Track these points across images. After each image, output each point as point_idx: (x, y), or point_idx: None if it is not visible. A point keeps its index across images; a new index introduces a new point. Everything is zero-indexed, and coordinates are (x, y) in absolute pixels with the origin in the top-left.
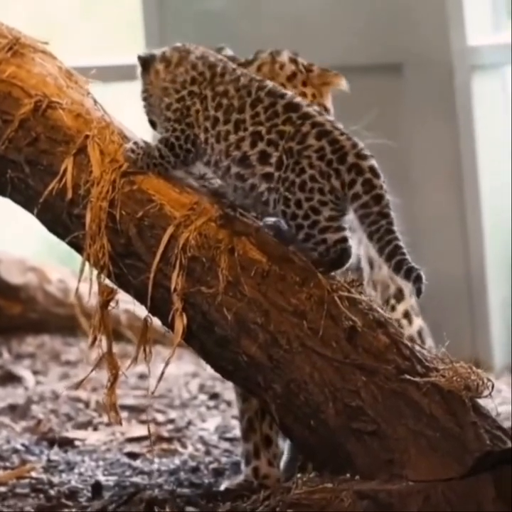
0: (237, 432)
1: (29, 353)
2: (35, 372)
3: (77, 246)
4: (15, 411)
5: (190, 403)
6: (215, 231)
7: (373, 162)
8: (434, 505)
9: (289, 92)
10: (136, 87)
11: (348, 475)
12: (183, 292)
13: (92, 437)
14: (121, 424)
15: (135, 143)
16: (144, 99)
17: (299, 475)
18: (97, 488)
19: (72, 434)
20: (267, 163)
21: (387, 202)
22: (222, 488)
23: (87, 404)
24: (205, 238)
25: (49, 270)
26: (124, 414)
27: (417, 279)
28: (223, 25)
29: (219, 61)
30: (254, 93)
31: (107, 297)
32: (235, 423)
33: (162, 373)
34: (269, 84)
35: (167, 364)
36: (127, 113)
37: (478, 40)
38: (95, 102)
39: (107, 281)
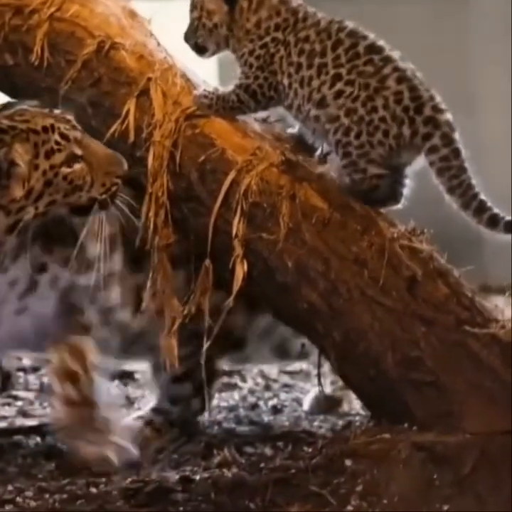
0: (296, 365)
1: None
2: None
3: (137, 183)
4: None
5: None
6: (277, 177)
7: (449, 116)
8: (491, 457)
9: (371, 35)
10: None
11: (405, 425)
12: (244, 238)
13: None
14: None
15: (204, 89)
16: (213, 29)
17: (357, 423)
18: None
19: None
20: (342, 98)
21: (464, 157)
22: None
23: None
24: (267, 184)
25: None
26: None
27: None
28: None
29: (299, 6)
30: (334, 35)
31: (166, 241)
32: None
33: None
34: (350, 25)
35: (227, 309)
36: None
37: None
38: (158, 43)
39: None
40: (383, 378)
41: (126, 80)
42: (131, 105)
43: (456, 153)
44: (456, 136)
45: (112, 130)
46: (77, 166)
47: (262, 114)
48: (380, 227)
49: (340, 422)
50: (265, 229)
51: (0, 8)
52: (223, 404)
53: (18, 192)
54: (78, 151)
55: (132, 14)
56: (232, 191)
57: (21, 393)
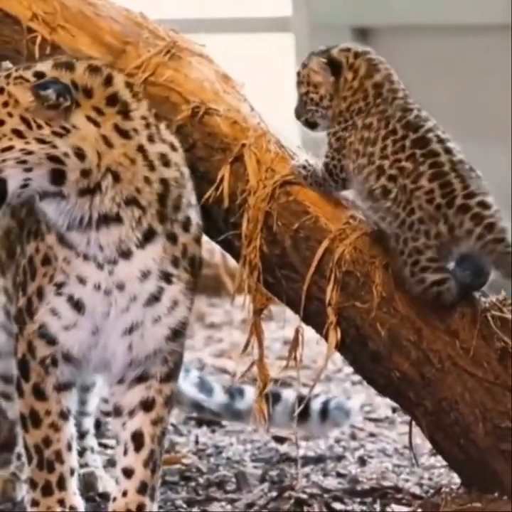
0: (381, 412)
1: None
2: None
3: (229, 245)
4: None
5: (334, 376)
6: (370, 246)
7: (483, 198)
8: None
9: (429, 123)
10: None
11: (496, 494)
12: (338, 306)
13: None
14: (268, 431)
15: (306, 160)
16: (319, 102)
17: (447, 489)
18: (242, 478)
19: None
20: (388, 199)
21: (501, 228)
22: None
23: (233, 376)
24: (360, 253)
25: None
26: None
27: None
28: None
29: (390, 90)
30: (391, 124)
31: (260, 305)
32: (380, 401)
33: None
34: (414, 113)
35: (320, 374)
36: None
37: None
38: (252, 108)
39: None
40: (473, 447)
41: (220, 146)
42: (225, 171)
43: (490, 227)
44: (491, 212)
45: (206, 196)
46: None
47: None
48: (471, 298)
49: (426, 475)
50: (358, 297)
51: None
52: (310, 454)
53: None
54: None
55: (226, 79)
56: (325, 259)
57: (111, 442)
